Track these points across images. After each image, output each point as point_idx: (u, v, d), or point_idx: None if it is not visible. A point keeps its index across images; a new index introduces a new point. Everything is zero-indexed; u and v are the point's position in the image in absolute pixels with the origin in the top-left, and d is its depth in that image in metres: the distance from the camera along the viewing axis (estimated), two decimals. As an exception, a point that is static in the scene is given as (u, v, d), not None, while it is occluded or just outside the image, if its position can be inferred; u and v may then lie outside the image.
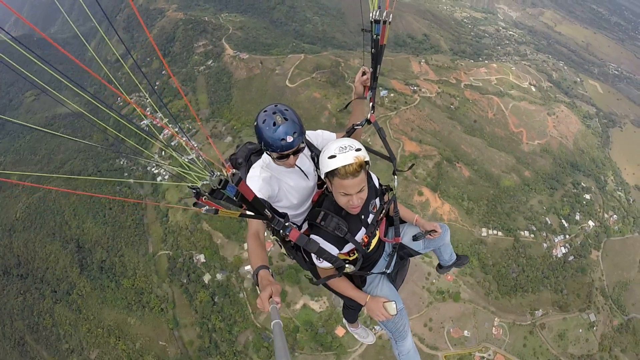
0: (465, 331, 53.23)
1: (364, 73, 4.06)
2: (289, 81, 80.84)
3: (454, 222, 63.00)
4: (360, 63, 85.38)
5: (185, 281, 57.53)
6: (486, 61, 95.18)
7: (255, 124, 3.10)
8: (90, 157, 77.71)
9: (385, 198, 3.88)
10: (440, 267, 5.21)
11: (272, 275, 2.67)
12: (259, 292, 2.46)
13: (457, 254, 5.08)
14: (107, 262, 60.68)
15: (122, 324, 55.27)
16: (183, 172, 2.17)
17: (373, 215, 3.66)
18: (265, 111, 3.08)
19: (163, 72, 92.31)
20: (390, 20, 3.59)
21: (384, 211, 3.80)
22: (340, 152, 3.04)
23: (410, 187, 65.43)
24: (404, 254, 4.32)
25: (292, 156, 3.25)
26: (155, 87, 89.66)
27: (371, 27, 3.69)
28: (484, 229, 63.09)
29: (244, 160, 3.73)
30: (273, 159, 3.29)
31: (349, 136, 4.01)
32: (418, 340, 51.39)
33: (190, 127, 77.79)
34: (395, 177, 4.14)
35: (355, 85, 4.15)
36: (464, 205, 65.48)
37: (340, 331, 49.88)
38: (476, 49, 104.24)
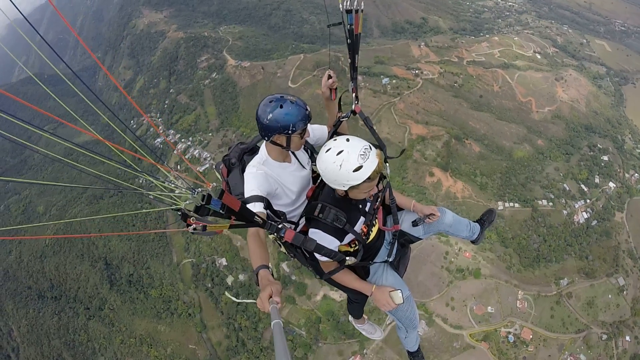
0: (489, 307, 52.55)
1: (329, 77, 3.87)
2: (291, 82, 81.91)
3: (468, 198, 62.56)
4: (360, 55, 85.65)
5: (209, 285, 59.43)
6: (487, 35, 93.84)
7: (270, 116, 3.12)
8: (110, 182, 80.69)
9: (379, 186, 3.78)
10: (473, 242, 4.89)
11: (272, 274, 2.73)
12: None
13: (479, 219, 4.87)
14: (134, 276, 63.29)
15: (153, 332, 57.61)
16: (162, 195, 2.21)
17: (370, 203, 3.65)
18: (272, 101, 3.16)
19: (171, 91, 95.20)
20: (362, 8, 3.52)
21: (379, 199, 3.76)
22: (363, 160, 3.01)
23: (420, 169, 65.36)
24: (404, 241, 4.27)
25: (308, 129, 3.37)
26: (165, 106, 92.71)
27: (343, 18, 3.57)
28: (499, 203, 62.24)
29: (237, 160, 3.72)
30: (286, 145, 3.32)
31: (335, 130, 4.00)
32: (441, 320, 51.32)
33: (202, 139, 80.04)
34: (387, 164, 3.93)
35: (323, 90, 3.92)
36: (477, 181, 64.85)
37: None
38: (476, 25, 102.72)
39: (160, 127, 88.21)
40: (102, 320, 60.58)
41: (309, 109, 3.23)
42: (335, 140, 3.16)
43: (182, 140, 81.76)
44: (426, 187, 63.26)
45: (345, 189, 3.15)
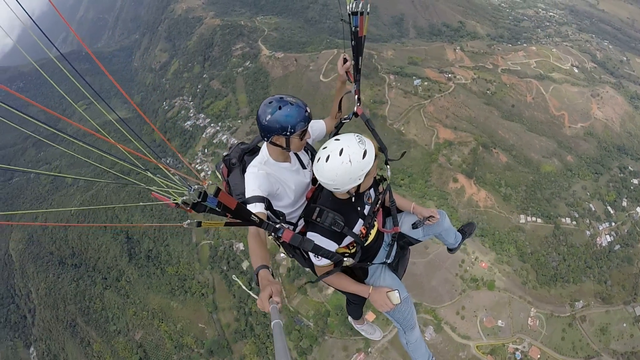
0: (499, 321, 51.53)
1: (345, 60, 3.97)
2: (322, 76, 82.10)
3: (490, 208, 61.75)
4: (394, 54, 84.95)
5: (225, 268, 60.66)
6: (525, 45, 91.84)
7: (269, 117, 3.14)
8: (137, 158, 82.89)
9: (380, 188, 3.87)
10: (450, 250, 5.12)
11: (272, 274, 2.74)
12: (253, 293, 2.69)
13: (460, 229, 5.05)
14: (153, 252, 65.38)
15: (165, 308, 59.46)
16: (161, 190, 2.18)
17: (369, 207, 3.66)
18: (271, 102, 3.18)
19: (204, 76, 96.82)
20: (368, 10, 3.56)
21: (379, 202, 3.79)
22: (363, 144, 3.15)
23: (444, 174, 64.98)
24: (404, 243, 4.29)
25: (308, 130, 3.37)
26: (197, 90, 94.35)
27: (349, 20, 3.62)
28: (522, 216, 61.26)
29: (237, 161, 3.73)
30: (286, 146, 3.34)
31: (337, 131, 4.06)
32: (450, 328, 50.85)
33: (231, 125, 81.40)
34: (388, 166, 4.03)
35: (340, 74, 4.05)
36: (501, 191, 63.89)
37: (370, 316, 49.71)
38: (515, 33, 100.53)
39: (191, 110, 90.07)
40: (117, 291, 62.84)
41: (308, 110, 3.25)
42: (324, 148, 3.21)
43: (212, 125, 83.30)
44: (449, 192, 62.86)
45: (362, 180, 3.22)
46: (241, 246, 60.92)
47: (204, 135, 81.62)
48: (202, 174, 74.89)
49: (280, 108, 3.13)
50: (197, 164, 76.94)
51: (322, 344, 51.51)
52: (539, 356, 49.63)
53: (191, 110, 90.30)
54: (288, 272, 55.18)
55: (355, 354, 49.89)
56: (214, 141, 79.56)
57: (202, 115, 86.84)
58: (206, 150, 78.46)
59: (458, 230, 4.94)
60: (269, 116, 3.14)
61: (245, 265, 59.14)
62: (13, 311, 67.81)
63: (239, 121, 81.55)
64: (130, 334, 58.75)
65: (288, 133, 3.19)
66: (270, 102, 3.18)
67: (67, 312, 62.97)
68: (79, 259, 67.62)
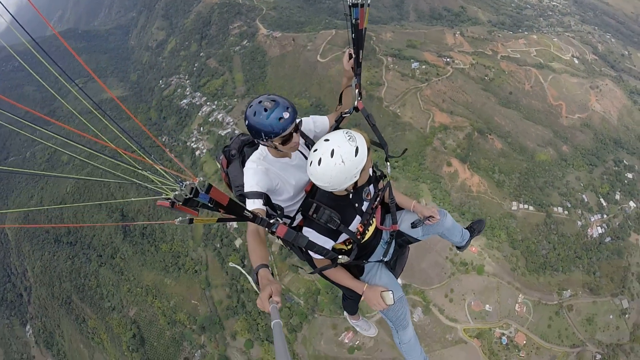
0: (487, 305, 51.98)
1: (350, 56, 3.87)
2: (320, 56, 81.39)
3: (483, 194, 61.84)
4: (393, 37, 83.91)
5: (218, 245, 61.04)
6: (526, 33, 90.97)
7: (247, 122, 3.10)
8: (135, 136, 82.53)
9: (380, 185, 3.84)
10: (459, 248, 5.09)
11: (272, 274, 2.72)
12: (258, 291, 2.55)
13: (469, 227, 5.00)
14: (147, 229, 65.50)
15: (159, 284, 59.94)
16: (154, 186, 2.19)
17: (367, 203, 3.63)
18: (251, 106, 3.09)
19: (201, 54, 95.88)
20: (369, 2, 3.47)
21: (378, 198, 3.73)
22: (354, 141, 3.08)
23: (438, 158, 64.87)
24: (402, 241, 4.23)
25: (294, 134, 3.24)
26: (194, 69, 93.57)
27: (349, 11, 3.50)
28: (514, 203, 61.32)
29: (237, 152, 3.73)
30: (275, 148, 3.30)
31: (338, 125, 3.92)
32: (438, 311, 51.35)
33: (227, 104, 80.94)
34: (388, 163, 3.96)
35: (346, 69, 3.94)
36: (494, 177, 63.85)
37: (365, 299, 50.50)
38: (516, 21, 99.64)
39: (188, 89, 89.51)
40: (112, 268, 63.30)
41: (289, 107, 3.10)
42: (315, 151, 3.13)
43: (208, 103, 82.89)
44: (442, 176, 62.87)
45: (358, 177, 3.17)
46: (234, 224, 61.05)
47: (199, 114, 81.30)
48: (197, 152, 74.71)
49: (255, 114, 3.06)
50: (193, 142, 76.73)
51: (312, 322, 52.03)
52: (524, 342, 50.06)
53: (187, 89, 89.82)
54: (280, 249, 55.46)
55: (344, 332, 50.36)
56: (210, 120, 79.30)
57: (199, 94, 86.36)
58: (202, 129, 78.26)
59: (466, 228, 4.90)
60: (252, 123, 3.08)
61: (238, 242, 59.55)
62: (9, 290, 68.65)
63: (235, 100, 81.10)
64: (124, 310, 59.34)
65: (274, 136, 3.11)
66: (250, 107, 3.11)
67: (63, 290, 63.52)
68: (74, 237, 67.90)
